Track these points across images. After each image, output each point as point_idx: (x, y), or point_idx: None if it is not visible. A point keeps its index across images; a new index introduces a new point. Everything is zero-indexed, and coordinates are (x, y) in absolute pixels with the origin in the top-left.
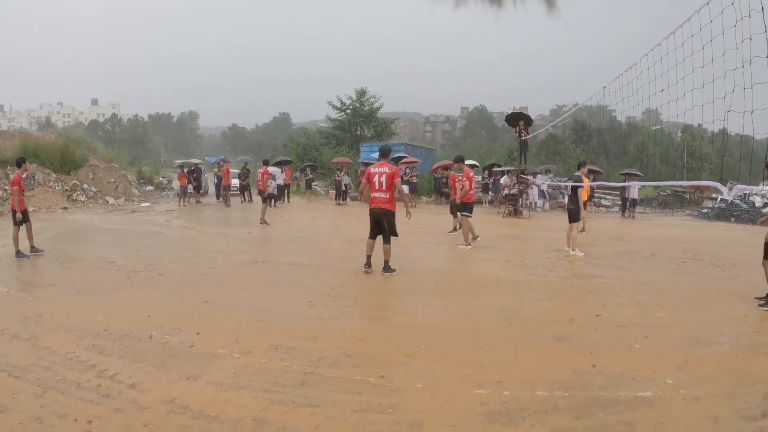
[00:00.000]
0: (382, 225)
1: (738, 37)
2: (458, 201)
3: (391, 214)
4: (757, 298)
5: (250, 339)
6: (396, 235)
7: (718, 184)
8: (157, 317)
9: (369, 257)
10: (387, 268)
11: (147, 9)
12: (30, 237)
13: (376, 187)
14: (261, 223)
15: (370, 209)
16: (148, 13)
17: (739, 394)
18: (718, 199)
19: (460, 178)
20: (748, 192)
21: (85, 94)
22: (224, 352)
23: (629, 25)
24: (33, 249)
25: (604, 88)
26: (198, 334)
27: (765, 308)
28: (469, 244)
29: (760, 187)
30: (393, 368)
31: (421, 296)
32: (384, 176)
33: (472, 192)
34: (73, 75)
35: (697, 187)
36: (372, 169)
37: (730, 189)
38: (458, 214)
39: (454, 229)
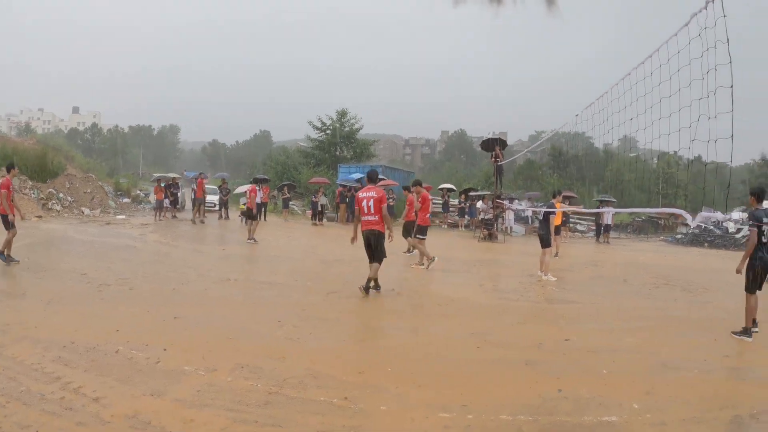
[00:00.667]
0: (372, 245)
1: (704, 68)
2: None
3: (380, 235)
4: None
5: (217, 357)
6: (385, 256)
7: (682, 211)
8: (125, 331)
9: (370, 278)
10: (376, 286)
11: (136, 27)
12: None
13: (365, 210)
14: (249, 241)
15: (362, 231)
16: (136, 30)
17: (707, 419)
18: (692, 225)
19: (418, 200)
20: (712, 218)
21: (66, 102)
22: (190, 369)
23: (608, 52)
24: (8, 257)
25: (577, 116)
26: (165, 350)
27: (740, 337)
28: (423, 264)
29: (723, 214)
30: (358, 390)
31: (390, 319)
32: (372, 200)
33: (427, 216)
34: (55, 82)
35: (671, 214)
36: (360, 194)
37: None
38: (413, 236)
39: (408, 250)
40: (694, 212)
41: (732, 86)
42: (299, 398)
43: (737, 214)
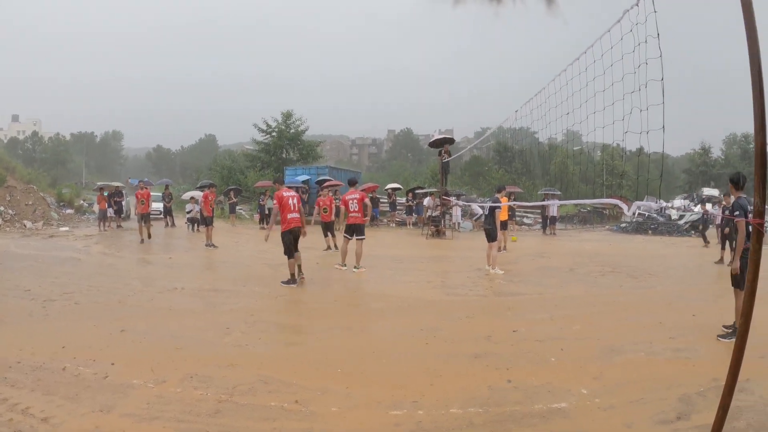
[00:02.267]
0: (355, 231)
1: (635, 62)
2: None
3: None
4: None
5: (166, 368)
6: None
7: (618, 201)
8: (72, 348)
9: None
10: (357, 266)
11: (76, 33)
12: None
13: (351, 208)
14: (208, 246)
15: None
16: (77, 36)
17: (654, 399)
18: (633, 213)
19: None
20: (645, 207)
21: (4, 110)
22: (139, 383)
23: (545, 48)
24: None
25: (516, 111)
26: (113, 364)
27: (726, 339)
28: (359, 267)
29: (656, 204)
30: (308, 393)
31: (339, 319)
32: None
33: (355, 215)
34: None
35: (613, 204)
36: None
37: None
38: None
39: (328, 248)
40: (636, 201)
41: (662, 79)
42: (250, 405)
43: (679, 202)
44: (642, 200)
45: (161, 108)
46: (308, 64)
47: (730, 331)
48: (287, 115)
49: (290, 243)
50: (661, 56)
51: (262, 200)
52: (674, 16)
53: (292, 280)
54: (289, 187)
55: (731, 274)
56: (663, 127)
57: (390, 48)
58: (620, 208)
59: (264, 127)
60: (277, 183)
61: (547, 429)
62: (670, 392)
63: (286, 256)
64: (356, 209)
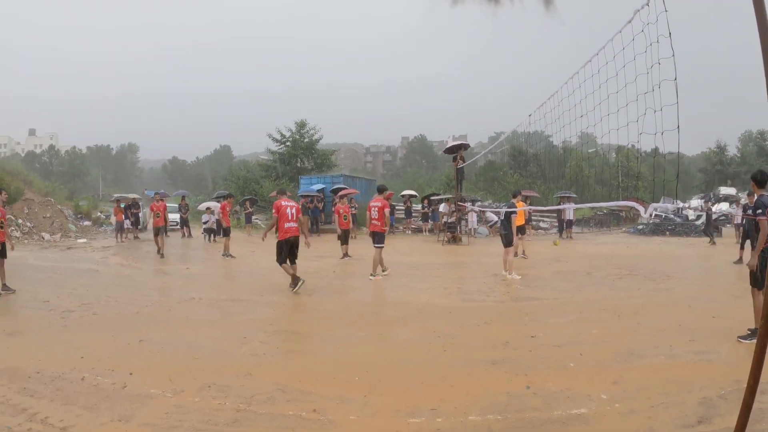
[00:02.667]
0: (374, 238)
1: (648, 62)
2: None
3: (381, 233)
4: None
5: (184, 378)
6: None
7: (635, 203)
8: (90, 358)
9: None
10: (374, 274)
11: (89, 51)
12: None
13: (372, 215)
14: (225, 256)
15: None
16: (90, 54)
17: (675, 403)
18: (650, 215)
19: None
20: (661, 208)
21: (22, 124)
22: (157, 392)
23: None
24: (4, 287)
25: (530, 115)
26: (131, 374)
27: (747, 341)
28: (375, 275)
29: (672, 204)
30: (326, 402)
31: (357, 327)
32: (376, 209)
33: (376, 222)
34: (10, 105)
35: (630, 206)
36: (371, 203)
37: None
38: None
39: (345, 255)
40: (653, 203)
41: (676, 79)
42: (268, 414)
43: (696, 202)
44: (659, 201)
45: (176, 121)
46: (320, 74)
47: (750, 332)
48: (301, 125)
49: (284, 251)
50: (673, 55)
51: None
52: (685, 14)
53: (294, 282)
54: (379, 198)
55: (750, 274)
56: (678, 126)
57: (401, 57)
58: (637, 210)
59: (278, 137)
60: (279, 193)
61: None
62: (691, 396)
63: (278, 263)
64: (376, 217)
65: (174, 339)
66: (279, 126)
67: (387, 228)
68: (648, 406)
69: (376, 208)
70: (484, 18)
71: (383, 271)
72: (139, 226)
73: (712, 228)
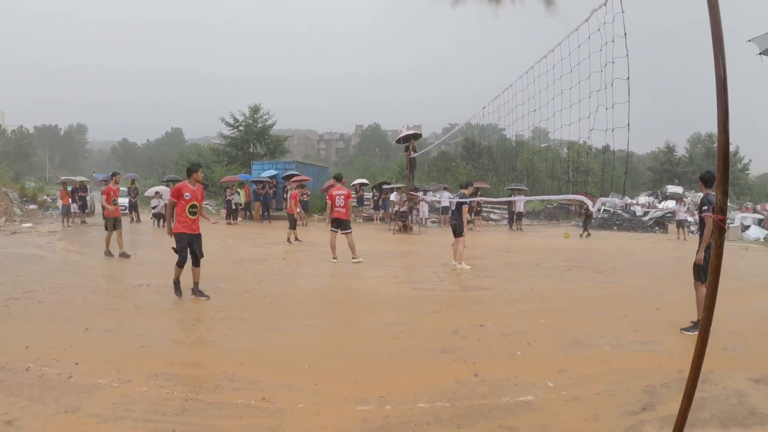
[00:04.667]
0: (341, 225)
1: (602, 61)
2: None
3: (347, 220)
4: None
5: (131, 367)
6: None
7: (584, 197)
8: (35, 348)
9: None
10: (355, 257)
11: (40, 22)
12: None
13: (337, 203)
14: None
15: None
16: (43, 25)
17: (620, 390)
18: (598, 210)
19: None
20: (610, 204)
21: None
22: (104, 382)
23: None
24: None
25: (484, 108)
26: (77, 364)
27: (690, 332)
28: (356, 257)
29: (620, 200)
30: (275, 390)
31: (306, 316)
32: (342, 197)
33: (341, 209)
34: None
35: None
36: (334, 192)
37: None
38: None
39: (294, 239)
40: (601, 198)
41: (628, 78)
42: (216, 403)
43: (644, 198)
44: (608, 197)
45: (127, 100)
46: (278, 60)
47: (692, 324)
48: (255, 110)
49: (184, 247)
50: (627, 55)
51: (229, 195)
52: (642, 17)
53: (177, 289)
54: (342, 187)
55: (693, 268)
56: (628, 124)
57: (364, 49)
58: (585, 204)
59: (231, 121)
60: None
61: (514, 422)
62: (636, 384)
63: (177, 265)
64: (342, 205)
65: (121, 327)
66: (233, 110)
67: (350, 216)
68: (593, 394)
69: (342, 197)
70: (449, 16)
71: (334, 258)
72: (86, 210)
73: (588, 222)
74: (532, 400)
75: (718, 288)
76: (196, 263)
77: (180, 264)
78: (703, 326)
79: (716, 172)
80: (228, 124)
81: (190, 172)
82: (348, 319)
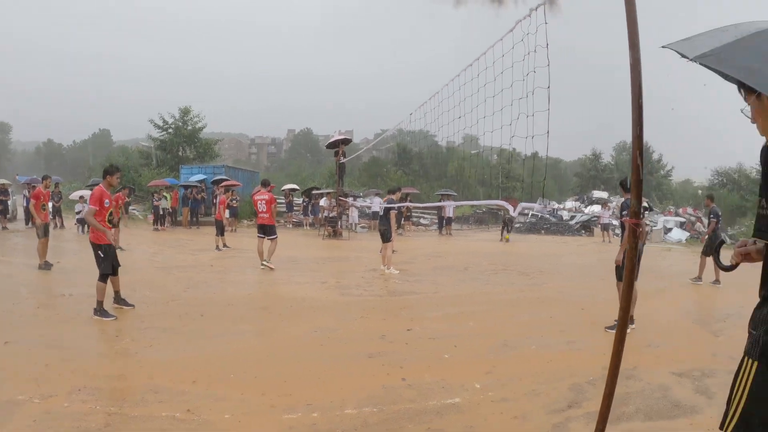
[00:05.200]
0: (266, 231)
1: (525, 70)
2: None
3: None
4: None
5: (53, 381)
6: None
7: (504, 203)
8: None
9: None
10: (268, 261)
11: None
12: None
13: (260, 209)
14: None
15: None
16: None
17: (546, 390)
18: (518, 214)
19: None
20: (528, 207)
21: None
22: (24, 398)
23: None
24: None
25: (411, 114)
26: None
27: (614, 331)
28: (267, 262)
29: (539, 205)
30: (201, 401)
31: (234, 323)
32: (263, 202)
33: (264, 215)
34: None
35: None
36: (256, 197)
37: (543, 205)
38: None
39: (222, 246)
40: (521, 203)
41: (549, 87)
42: (140, 416)
43: (571, 203)
44: (536, 202)
45: (54, 95)
46: (210, 58)
47: (616, 322)
48: (185, 111)
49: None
50: (549, 65)
51: (156, 200)
52: (574, 30)
53: (102, 310)
54: (264, 191)
55: (616, 269)
56: (548, 132)
57: (297, 52)
58: (507, 209)
59: (160, 122)
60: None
61: (441, 424)
62: (562, 383)
63: (102, 281)
64: (264, 210)
65: (43, 340)
66: (162, 111)
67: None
68: (520, 394)
69: (264, 202)
70: (390, 23)
71: (265, 262)
72: (7, 215)
73: (509, 227)
74: (459, 402)
75: (633, 288)
76: (115, 272)
77: (106, 279)
78: (620, 325)
79: (631, 177)
80: (157, 126)
81: (106, 174)
82: (276, 326)
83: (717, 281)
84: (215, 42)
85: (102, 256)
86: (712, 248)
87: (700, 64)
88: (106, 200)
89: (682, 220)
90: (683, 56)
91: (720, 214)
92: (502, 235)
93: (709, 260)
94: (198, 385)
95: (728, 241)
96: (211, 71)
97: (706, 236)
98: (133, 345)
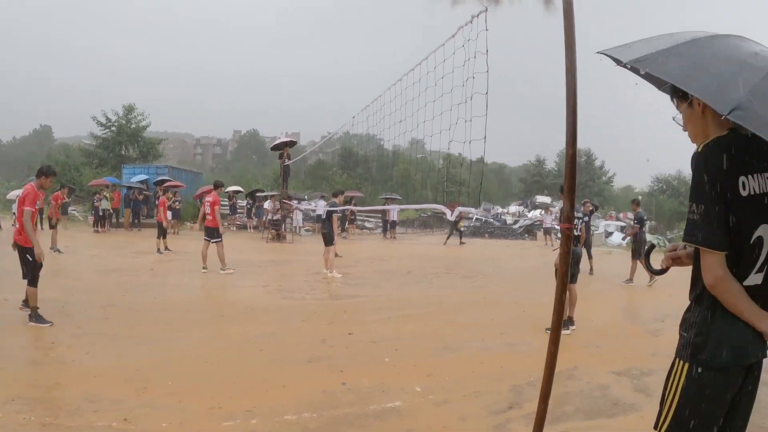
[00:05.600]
0: (209, 233)
1: (464, 76)
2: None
3: (214, 228)
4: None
5: None
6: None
7: (443, 207)
8: None
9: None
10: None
11: None
12: None
13: (206, 211)
14: (52, 251)
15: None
16: None
17: (487, 391)
18: (451, 219)
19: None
20: (470, 212)
21: None
22: None
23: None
24: None
25: (354, 117)
26: None
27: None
28: (225, 268)
29: (476, 209)
30: (138, 409)
31: (173, 328)
32: (208, 204)
33: (209, 217)
34: None
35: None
36: (205, 199)
37: (487, 209)
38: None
39: (163, 248)
40: (459, 207)
41: (487, 93)
42: (76, 427)
43: (515, 208)
44: (479, 206)
45: None
46: (158, 52)
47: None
48: (129, 109)
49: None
50: (488, 71)
51: (97, 201)
52: (510, 36)
53: (38, 316)
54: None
55: (556, 272)
56: (485, 137)
57: (246, 51)
58: (444, 213)
59: (103, 120)
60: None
61: (381, 428)
62: (502, 384)
63: (33, 285)
64: (209, 212)
65: None
66: (105, 108)
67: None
68: (461, 396)
69: (209, 204)
70: (340, 29)
71: (203, 268)
72: None
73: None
74: (399, 405)
75: (566, 291)
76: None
77: (37, 284)
78: (554, 327)
79: (564, 183)
80: (100, 124)
81: (41, 174)
82: (216, 331)
83: (630, 280)
84: (162, 33)
85: (31, 259)
86: (643, 252)
87: (632, 68)
88: (38, 201)
89: (623, 224)
90: (618, 62)
91: (644, 219)
92: (448, 238)
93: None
94: (136, 393)
95: (665, 245)
96: (156, 66)
97: (630, 240)
98: (69, 352)
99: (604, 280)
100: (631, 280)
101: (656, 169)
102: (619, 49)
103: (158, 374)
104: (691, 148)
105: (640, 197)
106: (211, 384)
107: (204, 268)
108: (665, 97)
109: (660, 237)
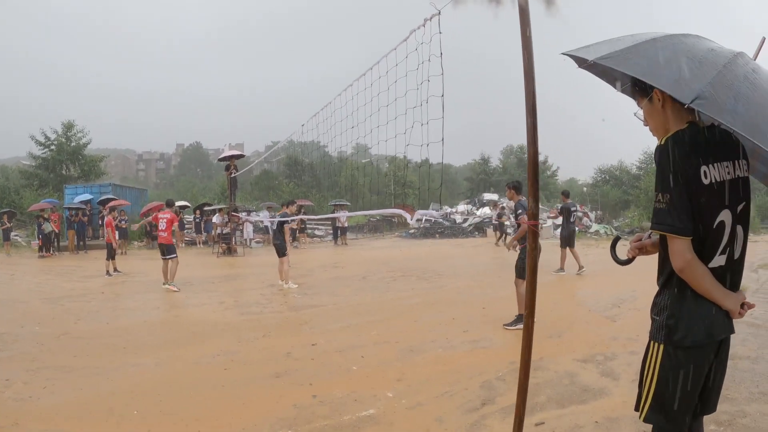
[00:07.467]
0: (163, 250)
1: (419, 79)
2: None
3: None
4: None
5: None
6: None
7: (401, 211)
8: None
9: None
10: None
11: None
12: None
13: (160, 227)
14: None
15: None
16: None
17: (458, 390)
18: (416, 221)
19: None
20: (427, 214)
21: None
22: None
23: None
24: None
25: (303, 125)
26: None
27: (512, 327)
28: (171, 284)
29: (436, 211)
30: None
31: (131, 354)
32: (164, 221)
33: (163, 234)
34: None
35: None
36: (159, 215)
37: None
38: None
39: (113, 270)
40: (419, 210)
41: (443, 95)
42: None
43: (463, 207)
44: (428, 207)
45: None
46: (95, 65)
47: (515, 319)
48: (68, 126)
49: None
50: (443, 74)
51: (41, 224)
52: (460, 39)
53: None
54: (168, 211)
55: (516, 266)
56: (443, 139)
57: (183, 64)
58: (404, 217)
59: (42, 139)
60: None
61: None
62: (473, 381)
63: None
64: (164, 229)
65: None
66: (44, 127)
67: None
68: (433, 397)
69: (165, 221)
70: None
71: (166, 285)
72: None
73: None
74: (374, 413)
75: (536, 286)
76: None
77: None
78: (526, 323)
79: (528, 180)
80: (39, 143)
81: None
82: (176, 353)
83: (561, 269)
84: (95, 48)
85: None
86: (613, 245)
87: (590, 68)
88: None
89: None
90: (581, 63)
91: (572, 210)
92: (499, 238)
93: (568, 251)
94: (99, 426)
95: (612, 233)
96: (92, 81)
97: (558, 231)
98: (25, 388)
99: (550, 273)
100: (562, 269)
101: (599, 160)
102: (582, 50)
103: (122, 405)
104: (629, 140)
105: (568, 190)
106: (180, 409)
107: (164, 285)
108: (601, 96)
109: (606, 226)
